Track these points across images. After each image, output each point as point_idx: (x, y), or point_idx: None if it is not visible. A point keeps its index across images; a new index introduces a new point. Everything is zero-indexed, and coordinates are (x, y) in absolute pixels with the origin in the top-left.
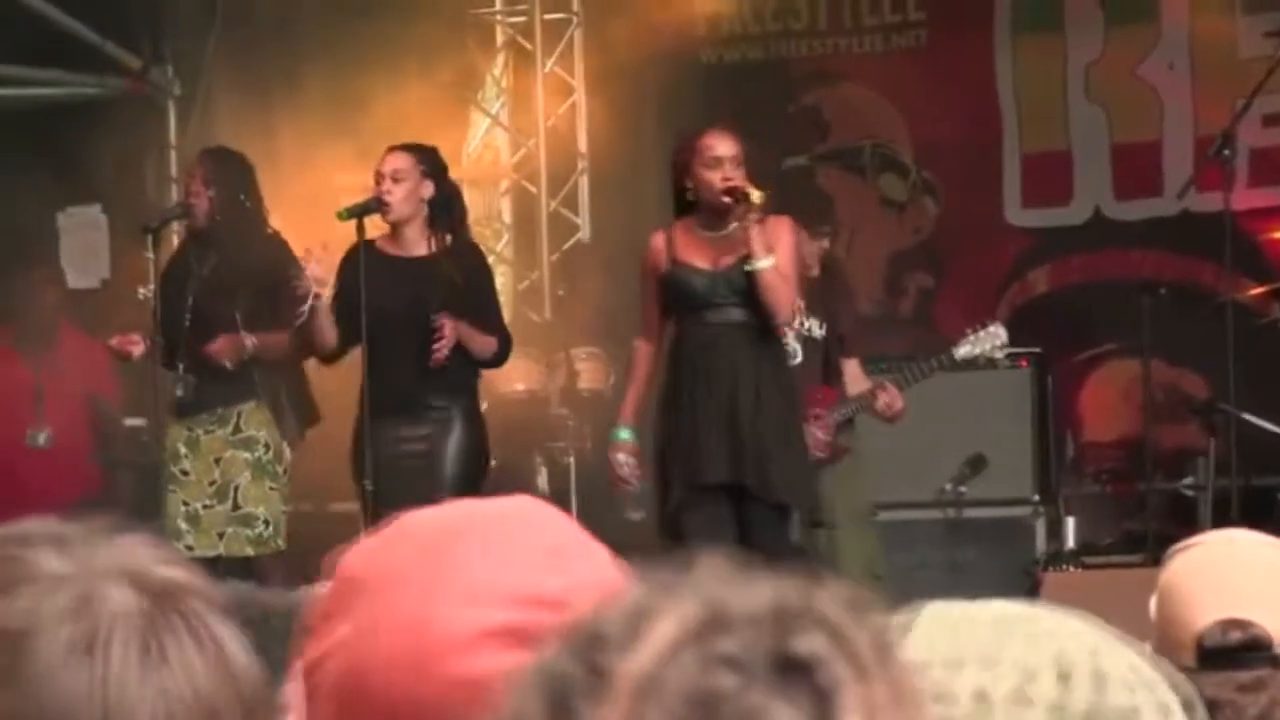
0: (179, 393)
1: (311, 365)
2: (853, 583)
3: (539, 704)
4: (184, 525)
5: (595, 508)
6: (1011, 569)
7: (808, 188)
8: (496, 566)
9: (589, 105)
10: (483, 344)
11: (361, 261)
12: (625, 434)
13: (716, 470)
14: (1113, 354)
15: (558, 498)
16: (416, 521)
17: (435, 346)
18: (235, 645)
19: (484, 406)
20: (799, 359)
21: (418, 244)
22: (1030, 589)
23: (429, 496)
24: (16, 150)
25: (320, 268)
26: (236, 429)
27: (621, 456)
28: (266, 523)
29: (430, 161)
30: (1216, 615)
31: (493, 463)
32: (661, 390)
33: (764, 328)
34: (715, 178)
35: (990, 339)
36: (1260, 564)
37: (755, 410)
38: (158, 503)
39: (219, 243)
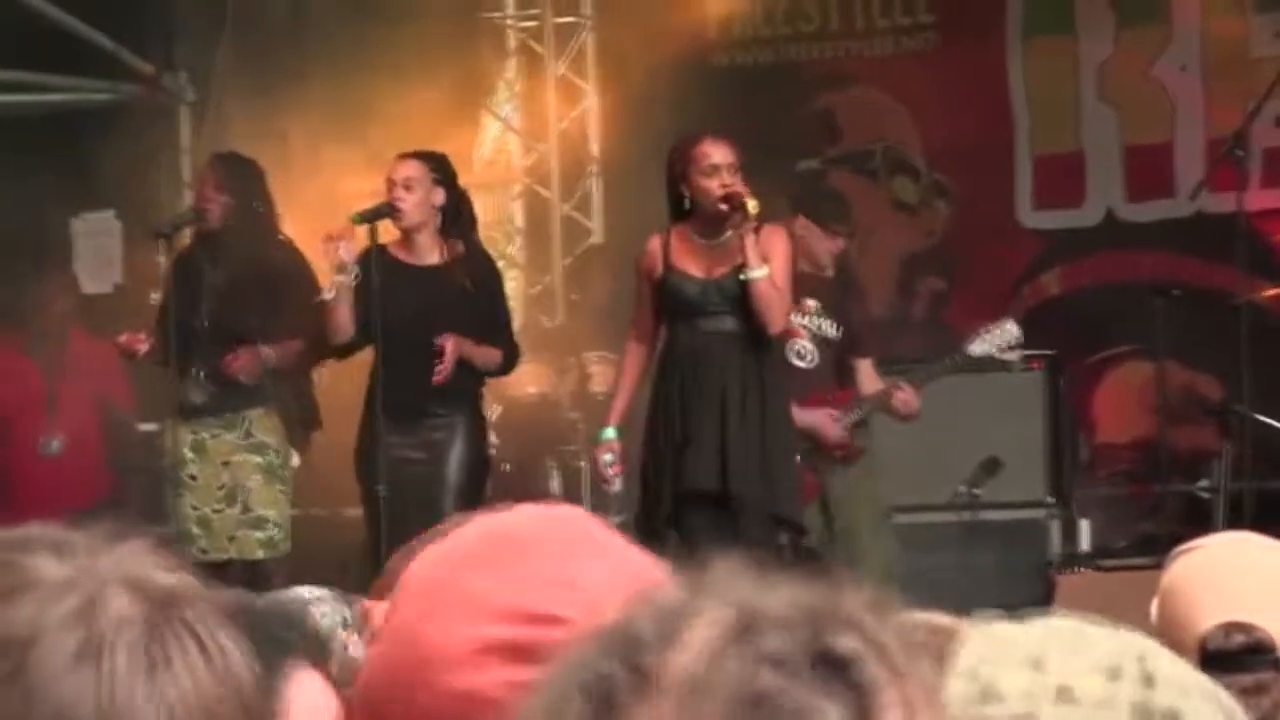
0: (196, 399)
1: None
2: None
3: (582, 705)
4: (196, 529)
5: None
6: (1026, 571)
7: (824, 188)
8: (496, 581)
9: (600, 109)
10: (487, 357)
11: (374, 267)
12: (610, 433)
13: (703, 478)
14: (1126, 356)
15: (569, 501)
16: (460, 532)
17: (437, 369)
18: (236, 652)
19: (497, 410)
20: (815, 360)
21: (429, 251)
22: (1045, 591)
23: (432, 503)
24: (30, 156)
25: (347, 251)
26: (247, 434)
27: (607, 456)
28: (277, 525)
29: (441, 168)
30: (1219, 618)
31: (505, 467)
32: (651, 395)
33: (755, 337)
34: (712, 185)
35: (1004, 335)
36: (1263, 567)
37: (742, 419)
38: (169, 507)
39: (232, 248)
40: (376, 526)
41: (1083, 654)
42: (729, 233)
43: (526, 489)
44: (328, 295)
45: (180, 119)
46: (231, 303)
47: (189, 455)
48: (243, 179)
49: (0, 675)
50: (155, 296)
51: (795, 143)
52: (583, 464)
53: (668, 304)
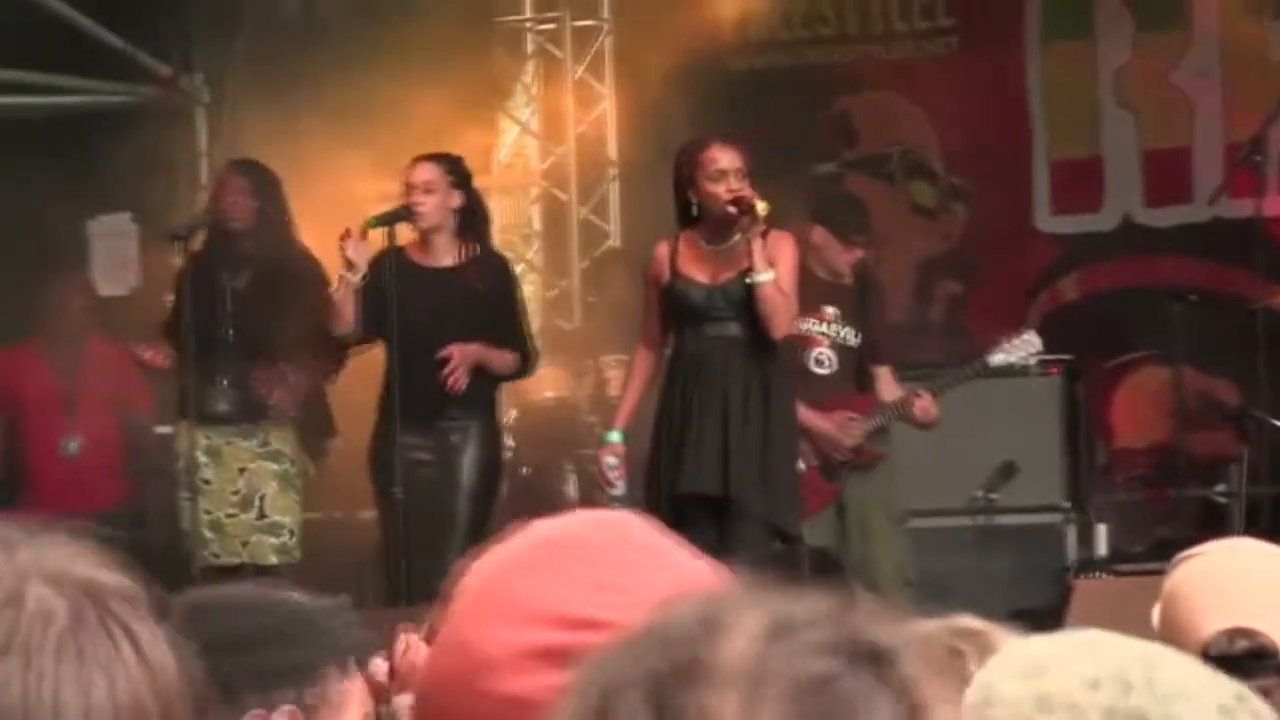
0: (221, 407)
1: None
2: (884, 587)
3: (637, 701)
4: (208, 534)
5: None
6: (1042, 576)
7: (843, 197)
8: (545, 587)
9: (618, 112)
10: (500, 362)
11: (391, 269)
12: (614, 436)
13: (702, 482)
14: (1144, 361)
15: (587, 505)
16: (519, 536)
17: (450, 379)
18: (158, 645)
19: (513, 414)
20: (835, 367)
21: (446, 253)
22: (1061, 596)
23: (444, 506)
24: (46, 158)
25: (356, 250)
26: (264, 442)
27: (610, 459)
28: (291, 533)
29: (457, 171)
30: (1222, 624)
31: (523, 470)
32: (658, 400)
33: (760, 342)
34: (720, 190)
35: (1025, 347)
36: (1265, 573)
37: (744, 425)
38: (180, 510)
39: (256, 255)
40: (390, 529)
41: (1082, 664)
42: (736, 237)
43: (543, 492)
44: (334, 293)
45: (197, 121)
46: (256, 311)
47: (203, 460)
48: (267, 185)
49: None
50: (172, 299)
51: (812, 146)
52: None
53: (674, 310)
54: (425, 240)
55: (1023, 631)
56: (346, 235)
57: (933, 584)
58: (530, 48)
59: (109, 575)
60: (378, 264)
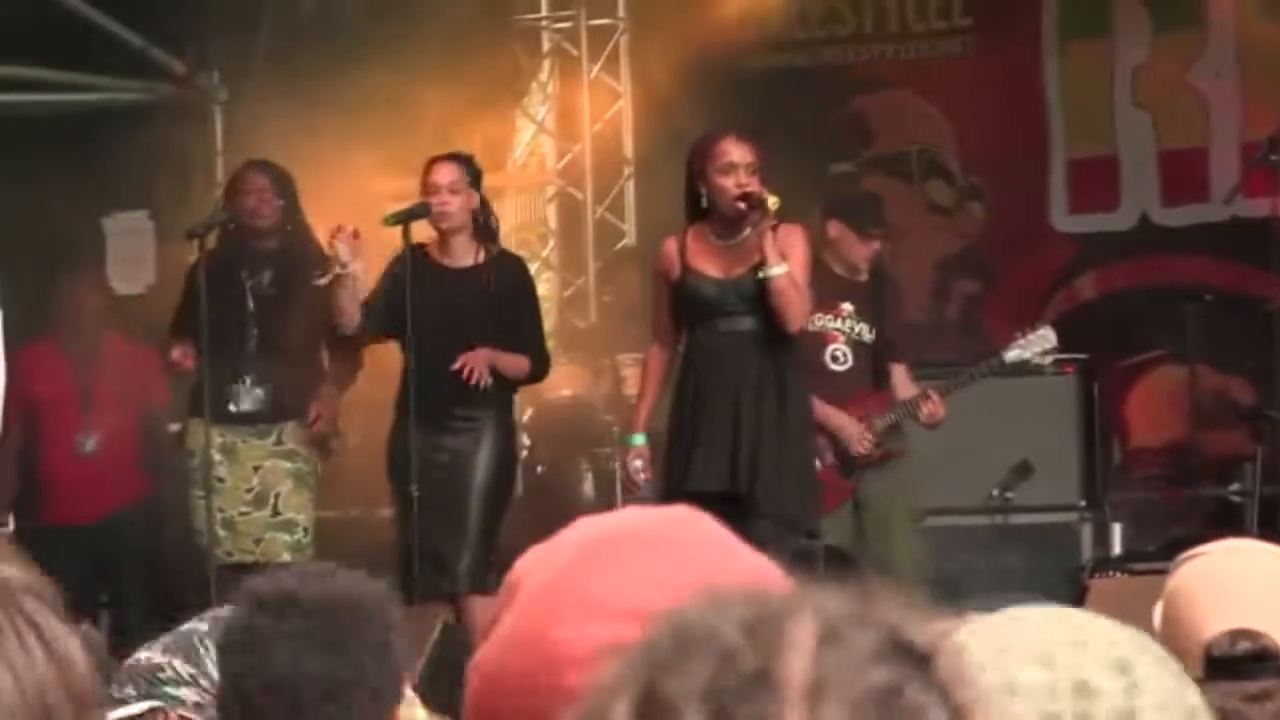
0: (247, 406)
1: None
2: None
3: (696, 714)
4: (222, 532)
5: None
6: (1058, 575)
7: (858, 191)
8: (624, 582)
9: (635, 111)
10: (513, 366)
11: (408, 268)
12: (638, 439)
13: (713, 479)
14: (1159, 360)
15: (603, 504)
16: (581, 529)
17: (469, 377)
18: (68, 642)
19: (529, 412)
20: (850, 363)
21: (465, 254)
22: (1076, 595)
23: (456, 505)
24: (62, 156)
25: (346, 247)
26: (278, 440)
27: (638, 463)
28: (305, 530)
29: (474, 171)
30: (1224, 625)
31: (538, 468)
32: (672, 397)
33: (774, 337)
34: (728, 184)
35: (1040, 342)
36: (1268, 574)
37: (757, 419)
38: (195, 508)
39: (279, 259)
40: (405, 527)
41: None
42: (746, 232)
43: (559, 490)
44: (320, 281)
45: (214, 119)
46: (280, 310)
47: (217, 457)
48: (287, 184)
49: None
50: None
51: (829, 145)
52: (616, 465)
53: (686, 306)
54: (445, 241)
55: None
56: (338, 231)
57: (948, 582)
58: (546, 46)
59: (18, 572)
60: (398, 262)
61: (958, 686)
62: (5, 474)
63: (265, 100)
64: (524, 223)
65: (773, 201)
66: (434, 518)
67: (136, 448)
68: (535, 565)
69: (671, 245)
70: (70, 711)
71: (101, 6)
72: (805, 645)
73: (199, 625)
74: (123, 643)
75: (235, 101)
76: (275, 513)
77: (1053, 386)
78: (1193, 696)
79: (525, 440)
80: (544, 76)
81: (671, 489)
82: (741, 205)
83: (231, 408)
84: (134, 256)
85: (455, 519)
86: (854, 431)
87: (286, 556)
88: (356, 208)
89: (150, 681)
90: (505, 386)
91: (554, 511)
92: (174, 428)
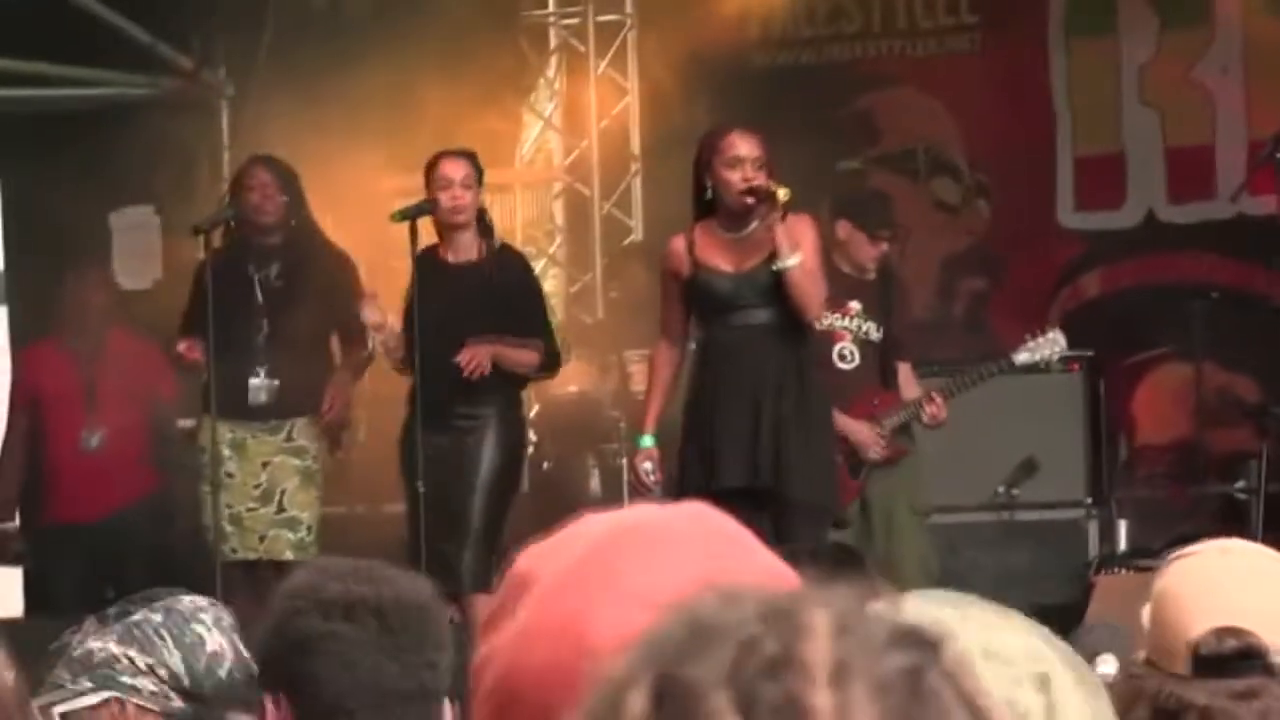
0: (261, 399)
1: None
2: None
3: (726, 702)
4: (229, 528)
5: None
6: (1063, 572)
7: (868, 190)
8: (655, 573)
9: (642, 107)
10: (519, 358)
11: (413, 267)
12: (647, 441)
13: (736, 474)
14: (1165, 357)
15: (609, 500)
16: (589, 523)
17: (469, 369)
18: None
19: (535, 409)
20: (857, 362)
21: (468, 251)
22: (1081, 592)
23: (461, 503)
24: (68, 151)
25: (376, 312)
26: (288, 437)
27: (647, 465)
28: (309, 529)
29: (479, 167)
30: (1211, 623)
31: (545, 464)
32: (687, 394)
33: (790, 328)
34: (734, 177)
35: (1050, 345)
36: (1256, 573)
37: (777, 411)
38: (203, 504)
39: (287, 252)
40: (414, 523)
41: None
42: (755, 224)
43: (565, 486)
44: (365, 354)
45: (220, 114)
46: (292, 304)
47: (226, 453)
48: (291, 179)
49: None
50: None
51: (835, 142)
52: (623, 462)
53: (699, 301)
54: (451, 237)
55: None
56: (361, 303)
57: (954, 580)
58: (554, 42)
59: None
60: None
61: (964, 675)
62: (10, 471)
63: (271, 96)
64: (531, 219)
65: (783, 193)
66: (438, 516)
67: (143, 444)
68: (549, 558)
69: (680, 243)
70: None
71: (108, 2)
72: (823, 632)
73: (153, 615)
74: None
75: (241, 97)
76: (280, 510)
77: (1059, 384)
78: (1106, 710)
79: (532, 436)
80: (551, 73)
81: (689, 486)
82: (748, 200)
83: (250, 401)
84: (140, 252)
85: (458, 517)
86: (868, 437)
87: (289, 555)
88: (362, 203)
89: (106, 673)
90: (509, 382)
91: (560, 507)
92: (186, 424)
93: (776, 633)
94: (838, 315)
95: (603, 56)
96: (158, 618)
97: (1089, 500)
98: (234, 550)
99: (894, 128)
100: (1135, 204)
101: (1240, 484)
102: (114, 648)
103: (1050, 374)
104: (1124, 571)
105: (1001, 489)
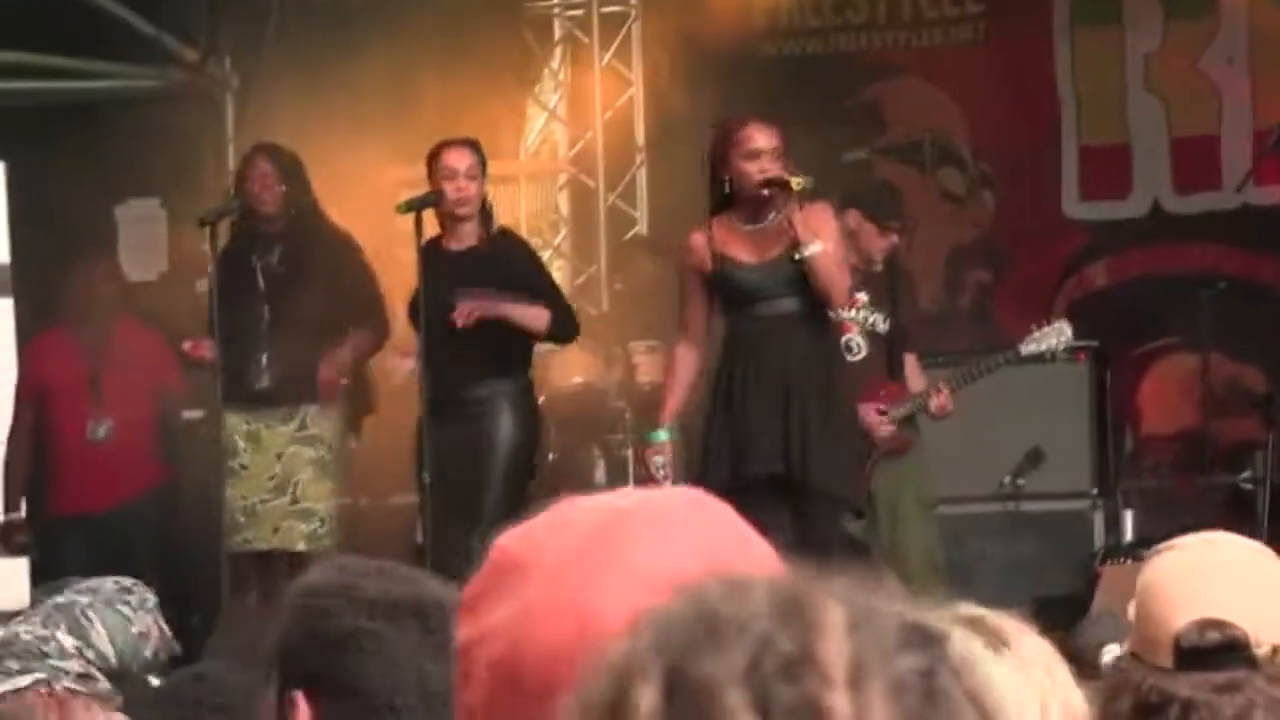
0: (263, 383)
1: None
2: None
3: (742, 701)
4: (241, 519)
5: None
6: (1069, 562)
7: (874, 181)
8: (662, 555)
9: (646, 99)
10: (527, 315)
11: (418, 258)
12: (661, 435)
13: (765, 462)
14: (1172, 348)
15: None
16: (577, 508)
17: (462, 324)
18: None
19: (541, 400)
20: (864, 353)
21: (471, 237)
22: (1087, 582)
23: (477, 488)
24: (74, 143)
25: (405, 365)
26: (302, 425)
27: (659, 459)
28: (323, 520)
29: (483, 157)
30: (1194, 616)
31: (550, 455)
32: (712, 387)
33: (816, 316)
34: (752, 169)
35: (1056, 335)
36: (1240, 565)
37: (805, 399)
38: (217, 495)
39: (288, 238)
40: (424, 515)
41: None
42: (774, 215)
43: (571, 477)
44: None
45: (225, 106)
46: (292, 290)
47: (242, 445)
48: (291, 167)
49: None
50: (200, 284)
51: (842, 133)
52: (628, 453)
53: (724, 295)
54: (454, 227)
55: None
56: (401, 353)
57: (959, 570)
58: (558, 33)
59: None
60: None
61: (968, 671)
62: (17, 462)
63: (276, 88)
64: (535, 210)
65: (797, 182)
66: (454, 505)
67: (150, 436)
68: (542, 540)
69: (699, 239)
70: None
71: None
72: (837, 629)
73: (79, 598)
74: None
75: (246, 88)
76: (294, 501)
77: (1065, 374)
78: None
79: None
80: (555, 64)
81: (713, 475)
82: (766, 191)
83: (255, 386)
84: (146, 244)
85: (473, 507)
86: (874, 419)
87: (301, 546)
88: (367, 194)
89: (34, 655)
90: (518, 363)
91: (566, 498)
92: (193, 415)
93: (791, 629)
94: (845, 306)
95: (607, 48)
96: (84, 600)
97: (1095, 491)
98: (248, 541)
99: (900, 118)
100: (1141, 194)
101: (1246, 474)
102: (40, 630)
103: (1056, 364)
104: (1129, 562)
105: (1007, 480)
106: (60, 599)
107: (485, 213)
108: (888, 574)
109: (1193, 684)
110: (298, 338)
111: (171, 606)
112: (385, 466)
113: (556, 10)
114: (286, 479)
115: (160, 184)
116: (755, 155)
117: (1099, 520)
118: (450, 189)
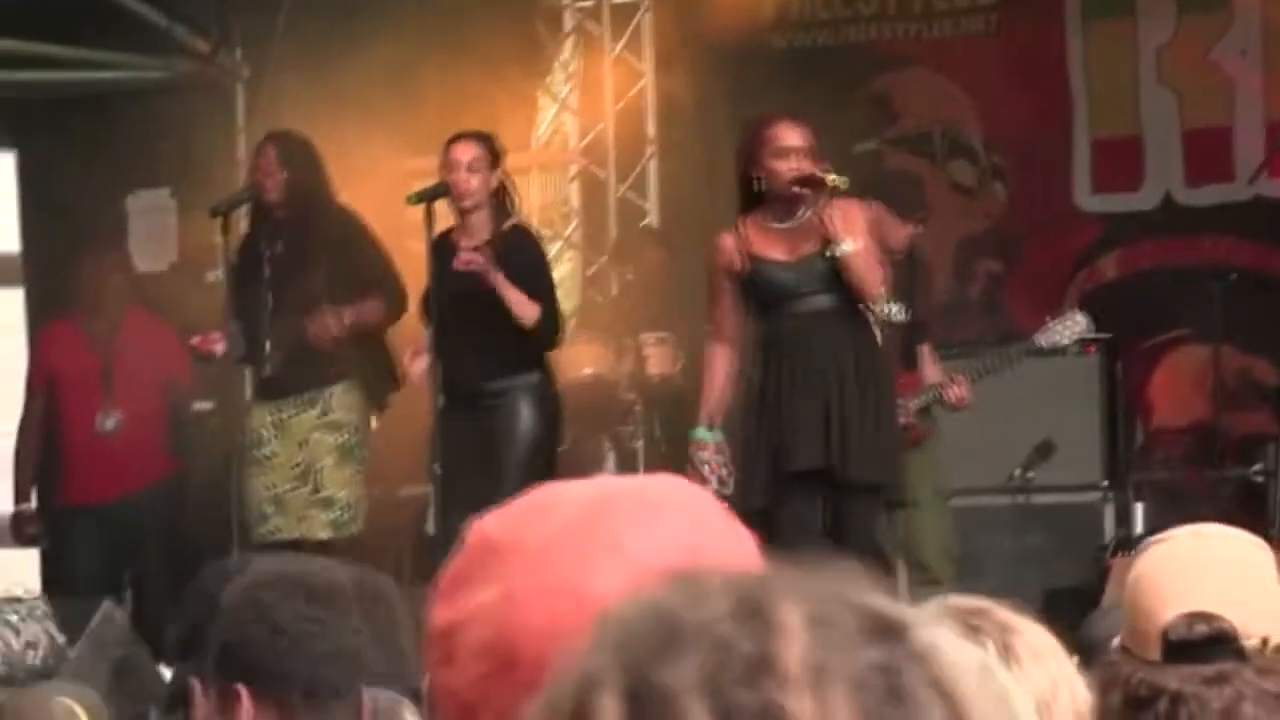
0: (266, 371)
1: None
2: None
3: (702, 708)
4: (269, 509)
5: None
6: (1079, 555)
7: (897, 173)
8: (650, 536)
9: (657, 90)
10: (520, 303)
11: (428, 250)
12: (706, 434)
13: (807, 456)
14: (1183, 340)
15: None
16: (560, 492)
17: (465, 266)
18: None
19: None
20: (905, 318)
21: (482, 231)
22: (1098, 575)
23: (495, 480)
24: (84, 133)
25: (418, 366)
26: (325, 411)
27: (704, 455)
28: (346, 507)
29: (495, 150)
30: (1182, 608)
31: (560, 447)
32: (750, 388)
33: (852, 311)
34: (784, 168)
35: (1072, 326)
36: (1228, 558)
37: (845, 393)
38: (227, 486)
39: (291, 223)
40: (436, 506)
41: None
42: (805, 212)
43: (581, 469)
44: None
45: (236, 96)
46: (295, 274)
47: (267, 434)
48: (302, 156)
49: None
50: (211, 275)
51: (852, 124)
52: (639, 445)
53: (759, 295)
54: (464, 220)
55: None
56: (412, 355)
57: (970, 562)
58: (569, 25)
59: None
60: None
61: (932, 660)
62: (27, 452)
63: (286, 78)
64: (547, 202)
65: (832, 180)
66: (464, 501)
67: (160, 428)
68: (525, 525)
69: (729, 240)
70: None
71: None
72: (797, 629)
73: None
74: (145, 622)
75: (257, 79)
76: (316, 490)
77: (1075, 366)
78: None
79: None
80: (566, 55)
81: (755, 471)
82: (797, 190)
83: (262, 374)
84: (156, 234)
85: (485, 504)
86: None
87: (324, 535)
88: (378, 185)
89: None
90: (531, 355)
91: None
92: (204, 407)
93: (749, 632)
94: (876, 300)
95: (618, 39)
96: None
97: (1105, 483)
98: (275, 530)
99: (911, 110)
100: (1153, 186)
101: (1258, 467)
102: None
103: (1067, 356)
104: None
105: (1018, 472)
106: None
107: (501, 207)
108: (900, 567)
109: (1181, 677)
110: (301, 322)
111: (179, 598)
112: (398, 457)
113: (567, 1)
114: (309, 467)
115: (170, 174)
116: (786, 154)
117: (1109, 513)
118: (453, 182)
